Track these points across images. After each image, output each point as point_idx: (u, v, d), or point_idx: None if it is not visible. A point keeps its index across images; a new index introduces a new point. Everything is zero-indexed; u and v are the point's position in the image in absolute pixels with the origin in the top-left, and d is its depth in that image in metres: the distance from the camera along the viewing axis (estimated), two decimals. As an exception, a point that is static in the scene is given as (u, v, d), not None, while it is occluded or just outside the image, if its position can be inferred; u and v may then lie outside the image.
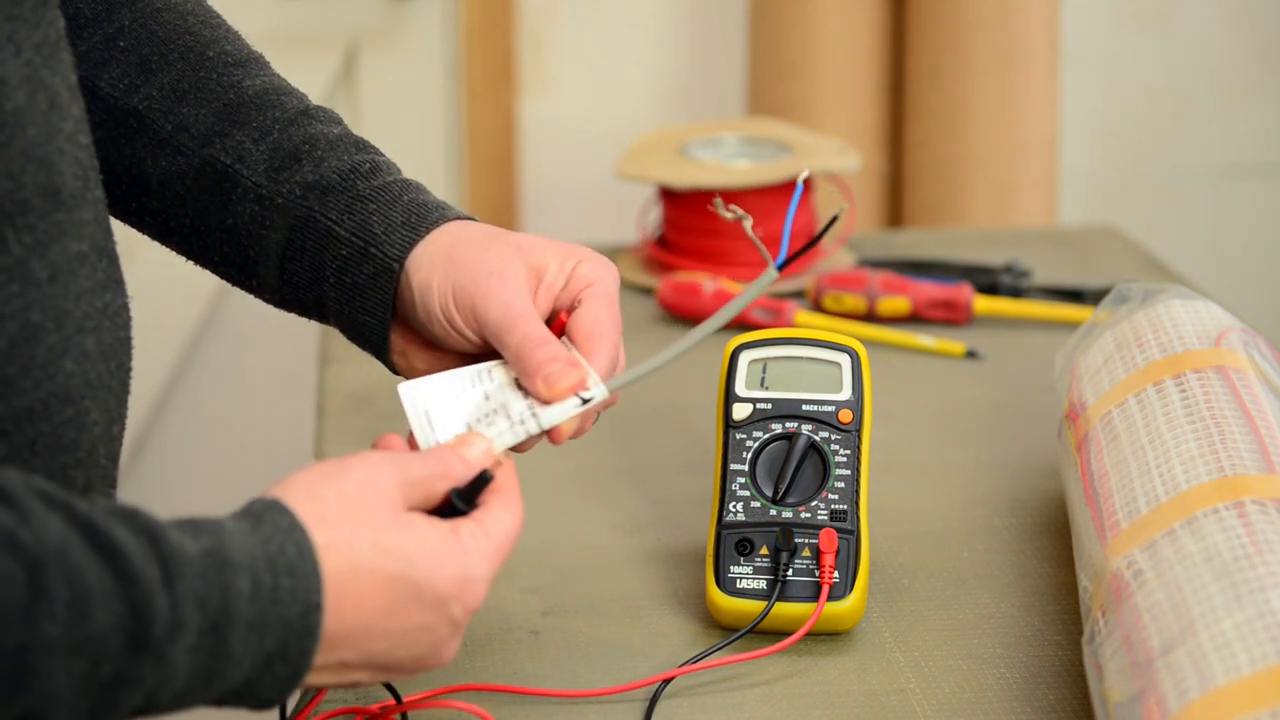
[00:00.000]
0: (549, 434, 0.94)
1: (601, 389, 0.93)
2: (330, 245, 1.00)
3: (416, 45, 2.26)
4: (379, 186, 1.00)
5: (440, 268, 0.97)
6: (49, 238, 0.83)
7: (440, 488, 0.87)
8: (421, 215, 0.99)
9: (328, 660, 0.81)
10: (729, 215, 0.95)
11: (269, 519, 0.80)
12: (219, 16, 1.08)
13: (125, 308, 0.90)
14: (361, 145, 1.03)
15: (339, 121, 1.05)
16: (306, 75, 2.25)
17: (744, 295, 0.93)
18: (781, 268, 0.93)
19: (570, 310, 0.98)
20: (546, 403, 0.93)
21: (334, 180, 1.00)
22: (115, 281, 0.89)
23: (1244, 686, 0.81)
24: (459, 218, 1.00)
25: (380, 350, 1.01)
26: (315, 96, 2.41)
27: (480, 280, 0.96)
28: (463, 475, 0.87)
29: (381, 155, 1.04)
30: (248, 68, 1.05)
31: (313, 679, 0.81)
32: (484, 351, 0.98)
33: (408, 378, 1.00)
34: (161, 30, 1.04)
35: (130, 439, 2.29)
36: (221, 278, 1.06)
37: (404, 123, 2.27)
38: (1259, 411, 1.01)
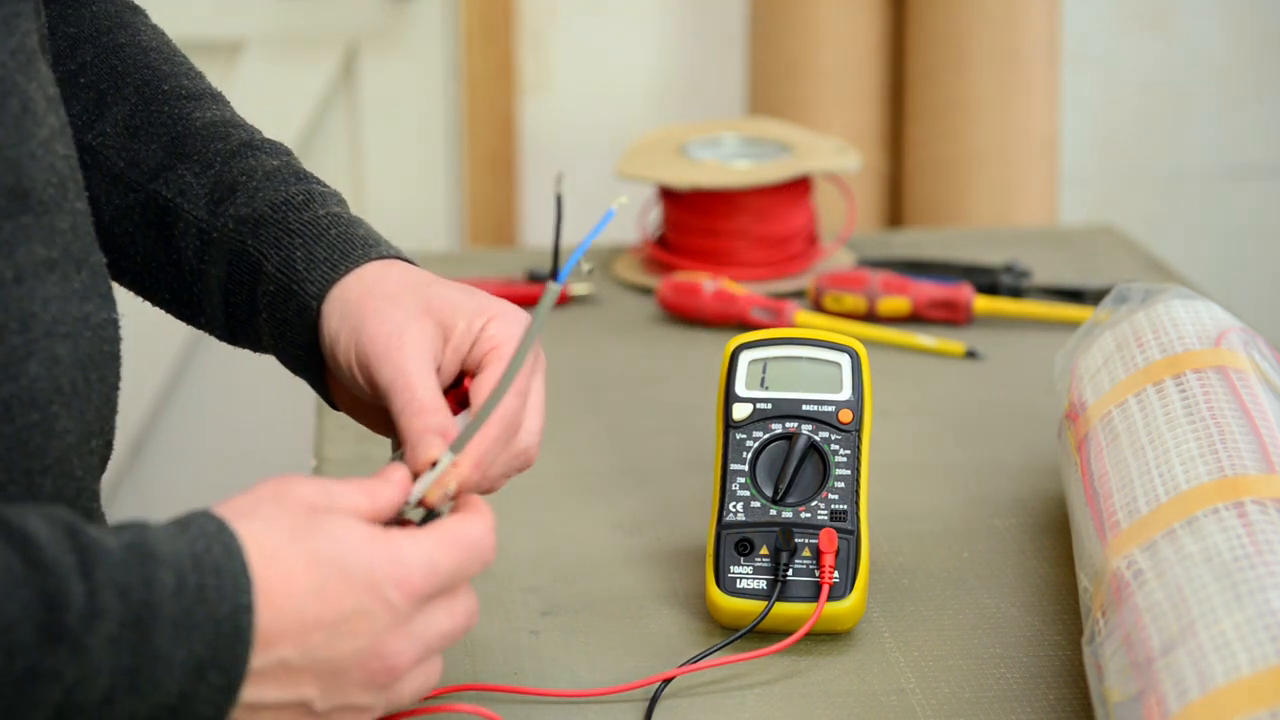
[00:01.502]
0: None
1: (448, 455, 0.89)
2: (260, 280, 0.98)
3: (416, 45, 2.26)
4: (309, 220, 0.99)
5: (349, 320, 0.95)
6: (15, 239, 0.83)
7: (361, 503, 0.84)
8: (345, 252, 0.97)
9: (266, 661, 0.78)
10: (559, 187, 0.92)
11: (196, 524, 0.78)
12: (183, 55, 1.07)
13: (112, 322, 0.89)
14: (301, 176, 1.01)
15: (285, 154, 1.03)
16: (306, 75, 2.26)
17: (537, 314, 0.88)
18: (561, 281, 0.88)
19: (474, 375, 0.95)
20: (415, 473, 0.89)
21: (265, 212, 0.99)
22: (99, 295, 0.88)
23: (1244, 686, 0.81)
24: (385, 257, 0.98)
25: (318, 385, 1.00)
26: (315, 96, 2.43)
27: (379, 340, 0.93)
28: (383, 494, 0.85)
29: (322, 186, 1.02)
30: (200, 101, 1.04)
31: (255, 690, 0.79)
32: None
33: (349, 416, 0.99)
34: (120, 65, 1.04)
35: (130, 440, 2.29)
36: (175, 316, 1.04)
37: (404, 123, 2.27)
38: (1259, 411, 1.01)
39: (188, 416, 2.34)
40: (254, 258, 0.98)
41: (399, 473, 0.88)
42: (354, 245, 0.98)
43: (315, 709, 0.81)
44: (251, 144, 1.02)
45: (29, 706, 0.73)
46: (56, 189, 0.86)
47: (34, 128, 0.84)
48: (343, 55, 2.26)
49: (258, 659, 0.78)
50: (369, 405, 0.99)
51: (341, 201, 1.02)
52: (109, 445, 0.91)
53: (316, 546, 0.80)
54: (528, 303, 1.60)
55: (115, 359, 0.90)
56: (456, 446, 0.89)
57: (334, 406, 1.01)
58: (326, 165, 2.25)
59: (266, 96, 2.23)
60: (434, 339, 0.94)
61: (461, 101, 2.26)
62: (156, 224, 1.01)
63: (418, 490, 0.88)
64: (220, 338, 1.03)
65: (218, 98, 1.06)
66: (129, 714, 0.76)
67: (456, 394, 0.96)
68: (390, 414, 0.92)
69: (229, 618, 0.77)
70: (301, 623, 0.79)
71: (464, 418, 0.94)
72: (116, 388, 0.91)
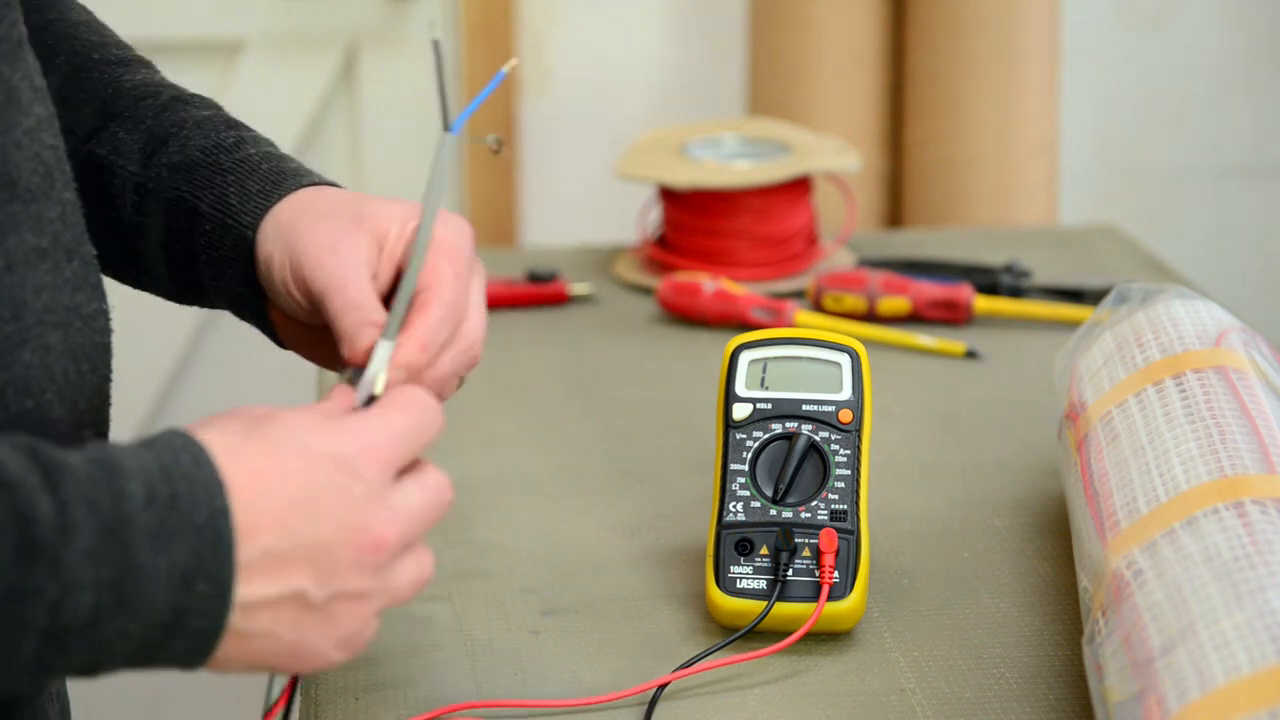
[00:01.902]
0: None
1: (384, 343, 0.88)
2: (197, 222, 1.00)
3: (416, 45, 2.26)
4: (240, 159, 1.00)
5: (281, 241, 0.96)
6: (6, 227, 0.83)
7: (310, 415, 0.84)
8: (277, 183, 0.99)
9: (250, 554, 0.77)
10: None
11: (162, 440, 0.78)
12: (111, 30, 1.09)
13: (103, 313, 0.90)
14: (232, 124, 1.03)
15: (215, 106, 1.05)
16: (306, 75, 2.26)
17: (435, 167, 0.88)
18: (456, 131, 0.88)
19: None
20: (349, 363, 0.89)
21: (198, 157, 1.00)
22: (90, 285, 0.89)
23: (1244, 686, 0.81)
24: (317, 184, 0.99)
25: (263, 322, 1.01)
26: (315, 96, 2.43)
27: (311, 253, 0.94)
28: (329, 407, 0.85)
29: (251, 131, 1.03)
30: (129, 66, 1.05)
31: (246, 588, 0.77)
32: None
33: (297, 353, 1.00)
34: (51, 39, 1.05)
35: (130, 436, 2.29)
36: (118, 280, 1.05)
37: (404, 123, 2.27)
38: (1259, 411, 1.01)
39: (188, 415, 2.34)
40: (189, 202, 1.00)
41: (341, 389, 0.88)
42: (285, 176, 0.99)
43: (312, 600, 0.79)
44: (181, 98, 1.04)
45: (17, 630, 0.72)
46: (43, 178, 0.86)
47: (19, 117, 0.85)
48: (343, 55, 2.26)
49: (243, 552, 0.77)
50: (313, 333, 0.99)
51: (273, 144, 1.03)
52: (104, 438, 0.91)
53: (274, 436, 0.80)
54: (528, 303, 1.61)
55: (107, 350, 0.90)
56: (387, 332, 0.88)
57: (282, 345, 1.02)
58: (326, 165, 2.25)
59: (266, 96, 2.23)
60: (367, 249, 0.94)
61: (461, 101, 2.26)
62: (94, 184, 1.02)
63: (363, 390, 0.87)
64: (165, 295, 1.04)
65: (147, 64, 1.07)
66: (123, 634, 0.75)
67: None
68: (326, 318, 0.92)
69: (207, 524, 0.76)
70: (276, 508, 0.78)
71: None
72: (109, 379, 0.91)
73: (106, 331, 0.90)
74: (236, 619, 0.77)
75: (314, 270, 0.93)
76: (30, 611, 0.72)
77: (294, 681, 0.90)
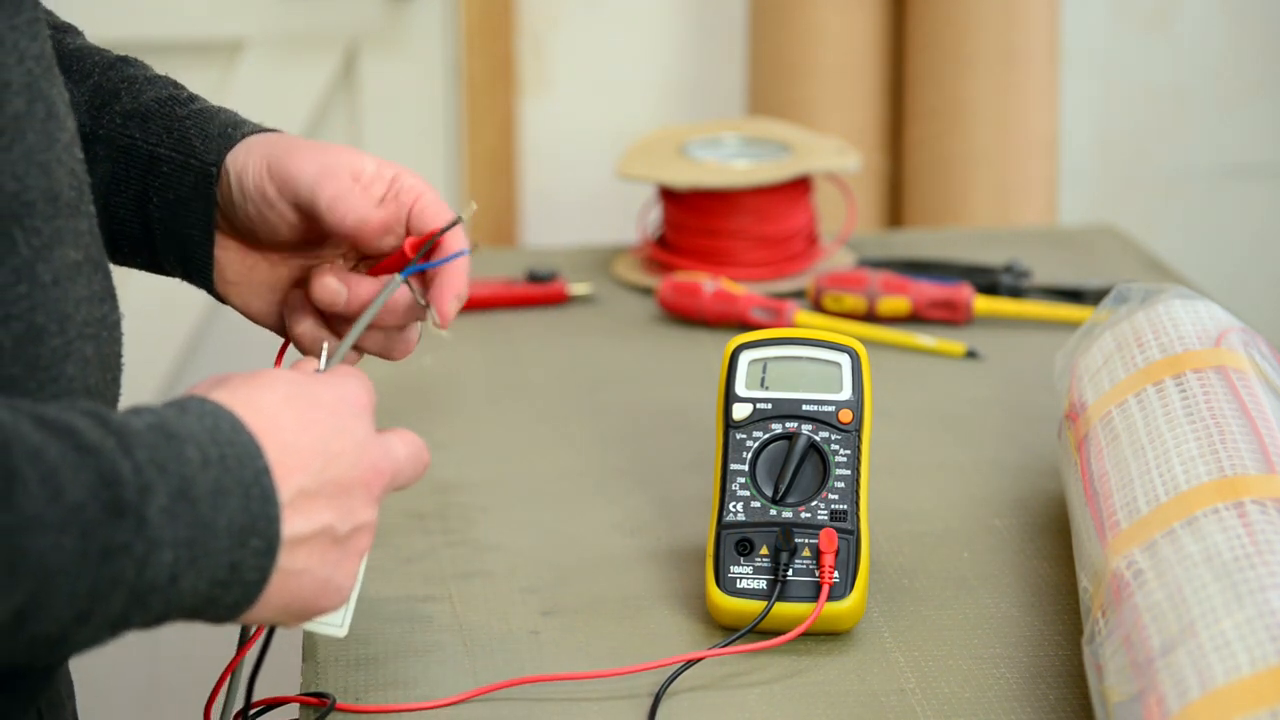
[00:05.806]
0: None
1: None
2: (152, 166, 1.03)
3: (416, 45, 2.26)
4: (196, 110, 1.04)
5: (258, 150, 1.01)
6: (52, 241, 0.85)
7: None
8: (237, 125, 1.03)
9: (290, 495, 0.82)
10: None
11: (193, 406, 0.82)
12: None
13: (119, 323, 0.92)
14: (177, 84, 1.07)
15: (152, 69, 1.08)
16: (306, 75, 2.26)
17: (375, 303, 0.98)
18: (405, 276, 0.99)
19: (410, 230, 1.01)
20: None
21: (152, 108, 1.04)
22: (110, 295, 0.91)
23: (1244, 686, 0.81)
24: (276, 130, 1.04)
25: (205, 267, 1.03)
26: (315, 96, 2.43)
27: (295, 150, 0.99)
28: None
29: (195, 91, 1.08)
30: (68, 33, 1.08)
31: (288, 526, 0.82)
32: (300, 237, 1.01)
33: (231, 303, 1.05)
34: None
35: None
36: None
37: (404, 123, 2.27)
38: (1259, 411, 1.01)
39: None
40: (144, 149, 1.03)
41: (304, 361, 0.95)
42: (243, 123, 1.04)
43: (337, 533, 0.84)
44: (126, 59, 1.07)
45: (110, 586, 0.75)
46: (76, 192, 0.88)
47: (57, 132, 0.87)
48: (343, 55, 2.26)
49: (281, 496, 0.82)
50: (260, 271, 1.04)
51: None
52: None
53: (281, 389, 0.85)
54: (528, 303, 1.61)
55: (121, 359, 0.93)
56: (330, 362, 0.95)
57: (215, 294, 1.05)
58: (326, 165, 2.25)
59: (266, 96, 2.23)
60: (349, 172, 1.00)
61: (461, 101, 2.26)
62: None
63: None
64: None
65: (79, 31, 1.09)
66: (192, 590, 0.78)
67: (391, 261, 1.02)
68: (314, 202, 0.98)
69: (254, 482, 0.80)
70: (301, 452, 0.83)
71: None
72: (121, 387, 0.93)
73: (121, 341, 0.93)
74: (283, 558, 0.82)
75: (299, 162, 0.98)
76: (122, 567, 0.76)
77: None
